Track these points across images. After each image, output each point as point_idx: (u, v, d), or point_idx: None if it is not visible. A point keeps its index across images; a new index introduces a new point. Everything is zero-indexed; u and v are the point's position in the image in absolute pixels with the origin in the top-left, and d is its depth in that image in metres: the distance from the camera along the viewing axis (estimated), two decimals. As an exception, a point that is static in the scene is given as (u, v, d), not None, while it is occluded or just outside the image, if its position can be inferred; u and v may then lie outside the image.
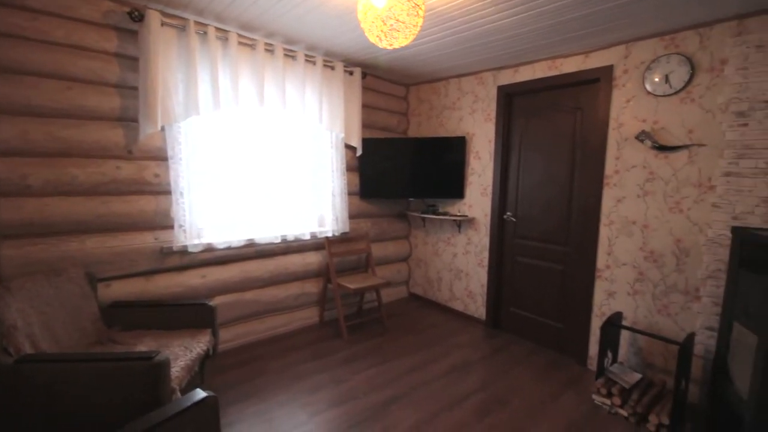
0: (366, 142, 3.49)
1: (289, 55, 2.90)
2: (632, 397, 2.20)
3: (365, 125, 3.61)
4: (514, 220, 3.26)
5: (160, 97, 2.33)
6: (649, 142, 2.41)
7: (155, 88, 2.28)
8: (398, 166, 3.62)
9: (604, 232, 2.67)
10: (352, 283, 3.09)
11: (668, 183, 2.37)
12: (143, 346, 1.95)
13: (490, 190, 3.36)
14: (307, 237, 3.14)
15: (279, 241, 2.98)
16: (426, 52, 2.90)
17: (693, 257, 2.29)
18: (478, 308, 3.55)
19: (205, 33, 2.47)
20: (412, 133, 4.05)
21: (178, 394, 1.70)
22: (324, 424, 2.08)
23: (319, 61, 3.04)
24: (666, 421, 2.04)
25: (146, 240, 2.46)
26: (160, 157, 2.48)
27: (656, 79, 2.41)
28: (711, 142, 2.22)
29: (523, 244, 3.22)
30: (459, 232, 3.64)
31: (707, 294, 2.23)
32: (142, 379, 1.59)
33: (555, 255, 3.01)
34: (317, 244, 3.32)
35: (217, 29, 2.54)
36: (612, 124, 2.61)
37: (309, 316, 3.35)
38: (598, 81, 2.68)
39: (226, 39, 2.56)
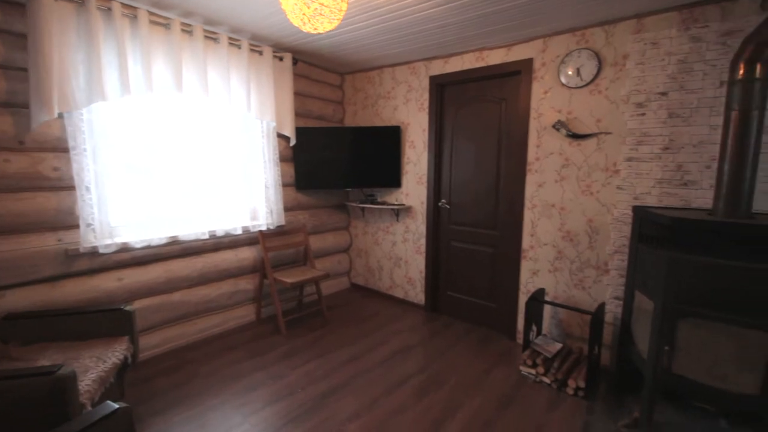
0: (300, 131, 3.39)
1: (211, 37, 2.71)
2: (554, 365, 2.39)
3: (299, 114, 3.50)
4: (448, 207, 3.37)
5: (56, 80, 2.05)
6: (564, 131, 2.60)
7: (49, 71, 2.01)
8: (335, 156, 3.57)
9: (528, 216, 2.85)
10: (290, 277, 3.01)
11: (581, 168, 2.58)
12: (46, 360, 1.75)
13: (425, 178, 3.44)
14: (239, 232, 2.99)
15: (207, 237, 2.80)
16: (357, 39, 2.86)
17: (602, 235, 2.52)
18: (417, 294, 3.64)
19: (110, 9, 2.22)
20: (348, 122, 4.00)
21: (89, 408, 1.54)
22: (260, 423, 2.02)
23: (245, 44, 2.88)
24: (582, 384, 2.25)
25: (47, 242, 2.19)
26: (60, 148, 2.20)
27: (569, 72, 2.60)
28: (615, 130, 2.45)
29: (457, 229, 3.35)
30: (397, 220, 3.69)
31: (614, 267, 2.48)
32: (44, 396, 1.42)
33: (486, 239, 3.17)
34: (251, 239, 3.18)
35: (124, 5, 2.29)
36: (532, 114, 2.77)
37: (245, 314, 3.22)
38: (520, 73, 2.83)
39: (135, 17, 2.31)
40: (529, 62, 2.77)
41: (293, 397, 2.24)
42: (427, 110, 3.37)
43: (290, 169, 3.47)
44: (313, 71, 3.62)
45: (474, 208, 3.22)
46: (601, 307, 2.37)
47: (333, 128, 3.58)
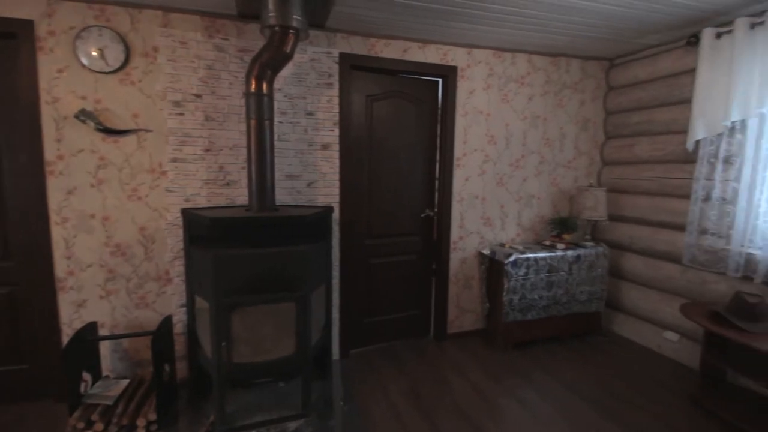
0: None
1: None
2: (117, 411, 1.94)
3: None
4: None
5: None
6: (92, 124, 2.11)
7: None
8: None
9: (58, 233, 2.14)
10: None
11: (122, 169, 2.21)
12: None
13: None
14: None
15: None
16: None
17: (159, 242, 2.30)
18: None
19: None
20: None
21: None
22: None
23: None
24: (153, 416, 1.95)
25: None
26: None
27: (93, 53, 2.12)
28: (156, 128, 2.25)
29: (-72, 270, 2.05)
30: None
31: (177, 275, 2.34)
32: None
33: (-7, 275, 2.14)
34: None
35: None
36: (44, 97, 2.07)
37: None
38: (16, 37, 2.02)
39: None
40: (29, 25, 2.02)
41: None
42: None
43: None
44: None
45: (-40, 232, 2.07)
46: (166, 321, 2.16)
47: None
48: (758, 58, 2.22)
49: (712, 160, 2.50)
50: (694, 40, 2.57)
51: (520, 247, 2.97)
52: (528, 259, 2.84)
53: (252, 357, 1.97)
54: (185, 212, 2.08)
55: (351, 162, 2.70)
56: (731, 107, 2.32)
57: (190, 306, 2.12)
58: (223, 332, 1.88)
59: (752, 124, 2.30)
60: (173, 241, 2.30)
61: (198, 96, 2.31)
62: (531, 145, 3.17)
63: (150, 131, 2.24)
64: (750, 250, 2.32)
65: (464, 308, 3.16)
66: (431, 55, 2.78)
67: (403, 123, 2.88)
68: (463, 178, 3.00)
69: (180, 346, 2.36)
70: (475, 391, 2.42)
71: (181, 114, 2.29)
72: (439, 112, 2.97)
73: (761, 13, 2.21)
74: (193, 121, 2.31)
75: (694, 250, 2.61)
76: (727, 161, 2.43)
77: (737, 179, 2.37)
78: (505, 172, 3.12)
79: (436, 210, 3.05)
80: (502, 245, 3.05)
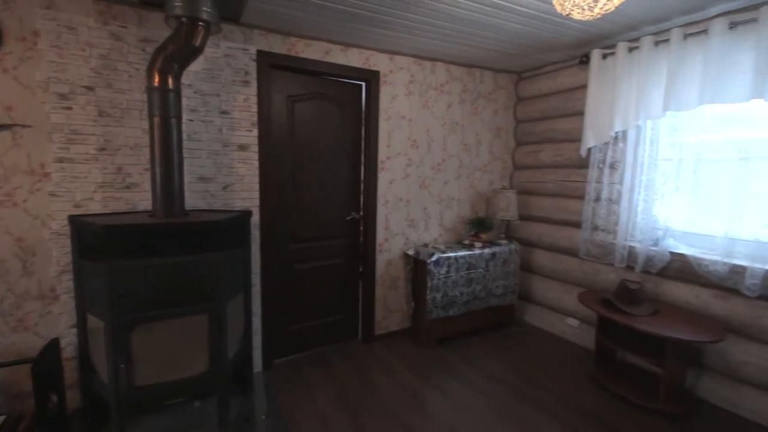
0: None
1: None
2: (-15, 456, 1.65)
3: None
4: None
5: None
6: (-52, 115, 1.78)
7: None
8: None
9: None
10: None
11: (-9, 170, 1.89)
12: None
13: None
14: None
15: None
16: None
17: (42, 255, 2.00)
18: None
19: None
20: None
21: None
22: None
23: None
24: (35, 456, 1.70)
25: None
26: None
27: (-51, 32, 1.78)
28: (37, 124, 1.96)
29: None
30: None
31: (65, 291, 2.05)
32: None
33: None
34: None
35: None
36: None
37: None
38: None
39: None
40: None
41: None
42: None
43: None
44: None
45: None
46: (52, 345, 1.88)
47: None
48: (635, 78, 2.57)
49: (600, 165, 2.84)
50: (585, 60, 2.90)
51: (442, 247, 3.09)
52: (449, 258, 2.97)
53: (158, 377, 1.79)
54: (73, 219, 1.83)
55: (272, 164, 2.60)
56: (614, 119, 2.66)
57: (82, 326, 1.87)
58: (120, 353, 1.68)
59: (631, 135, 2.65)
60: (59, 253, 2.01)
61: (90, 88, 2.06)
62: (451, 150, 3.33)
63: (28, 127, 1.94)
64: (631, 244, 2.67)
65: (391, 309, 3.21)
66: (354, 58, 2.79)
67: (327, 125, 2.85)
68: (388, 181, 3.05)
69: (71, 372, 2.07)
70: (402, 389, 2.46)
71: (69, 108, 2.02)
72: (363, 115, 2.99)
73: (637, 39, 2.55)
74: (83, 117, 2.05)
75: (588, 244, 2.94)
76: (613, 166, 2.78)
77: (620, 182, 2.72)
78: (428, 175, 3.24)
79: (361, 213, 3.06)
80: (426, 245, 3.16)
